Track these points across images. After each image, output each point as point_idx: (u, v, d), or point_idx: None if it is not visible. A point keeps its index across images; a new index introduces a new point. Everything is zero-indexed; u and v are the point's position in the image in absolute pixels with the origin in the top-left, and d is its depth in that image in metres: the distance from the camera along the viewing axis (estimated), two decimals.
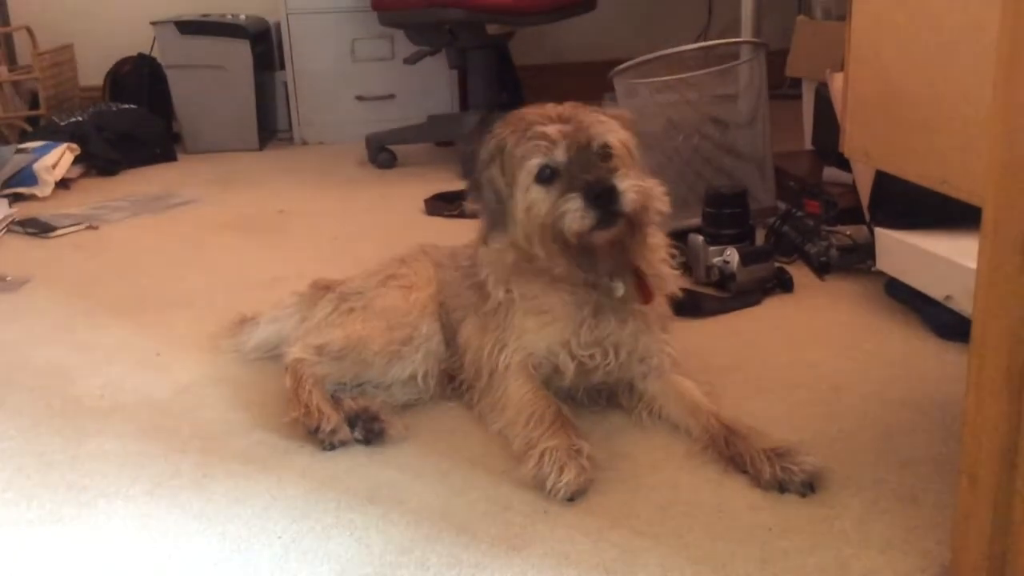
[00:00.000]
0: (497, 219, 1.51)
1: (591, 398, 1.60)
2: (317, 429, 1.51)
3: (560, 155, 1.42)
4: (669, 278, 1.60)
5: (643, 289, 1.52)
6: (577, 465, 1.36)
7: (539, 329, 1.53)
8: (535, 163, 1.43)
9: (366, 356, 1.61)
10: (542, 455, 1.38)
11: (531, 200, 1.44)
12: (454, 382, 1.66)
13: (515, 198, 1.46)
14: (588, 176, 1.40)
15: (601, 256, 1.46)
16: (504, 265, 1.54)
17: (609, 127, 1.46)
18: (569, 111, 1.47)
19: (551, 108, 1.49)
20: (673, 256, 1.62)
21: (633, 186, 1.41)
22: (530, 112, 1.49)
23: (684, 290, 2.07)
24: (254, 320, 1.91)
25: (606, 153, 1.45)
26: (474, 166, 1.53)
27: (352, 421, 1.53)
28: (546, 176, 1.43)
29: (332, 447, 1.51)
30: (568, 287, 1.51)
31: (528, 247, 1.48)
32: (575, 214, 1.39)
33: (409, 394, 1.64)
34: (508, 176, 1.47)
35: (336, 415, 1.53)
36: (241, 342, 1.88)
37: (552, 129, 1.42)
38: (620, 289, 1.51)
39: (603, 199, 1.39)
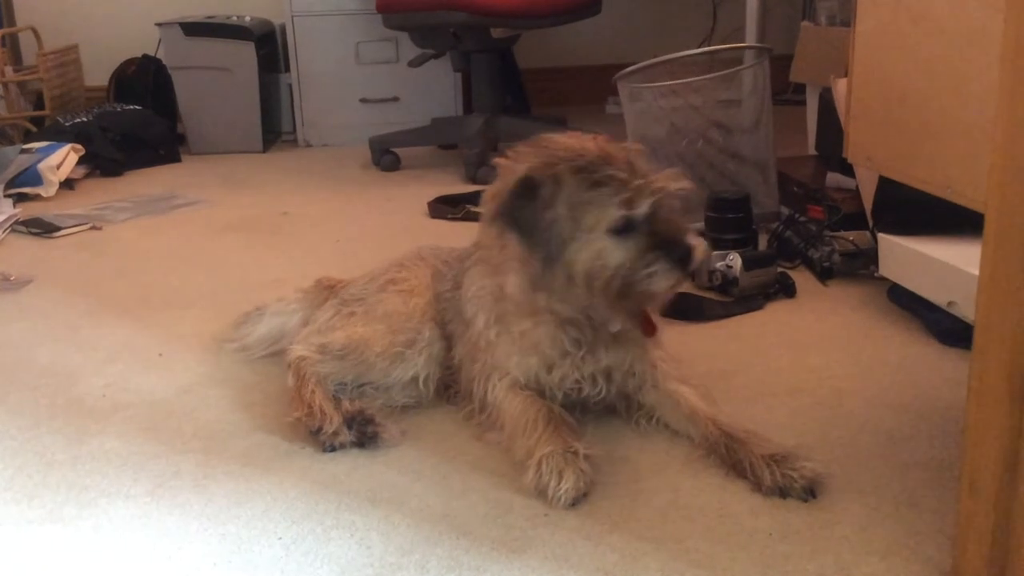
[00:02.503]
0: (551, 262, 1.40)
1: (586, 410, 1.59)
2: (319, 430, 1.51)
3: (643, 209, 1.37)
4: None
5: (646, 323, 1.51)
6: (575, 469, 1.35)
7: (523, 361, 1.52)
8: (615, 214, 1.36)
9: (368, 356, 1.61)
10: (540, 463, 1.37)
11: (600, 250, 1.38)
12: (449, 391, 1.66)
13: (579, 244, 1.38)
14: (671, 236, 1.38)
15: (654, 304, 1.47)
16: (497, 301, 1.52)
17: (677, 175, 1.42)
18: (621, 151, 1.41)
19: (598, 144, 1.41)
20: None
21: (701, 244, 1.40)
22: (579, 146, 1.41)
23: (687, 294, 2.09)
24: (259, 311, 1.91)
25: (675, 206, 1.42)
26: (513, 198, 1.41)
27: (348, 423, 1.52)
28: (621, 228, 1.37)
29: (333, 448, 1.51)
30: (556, 323, 1.49)
31: (579, 292, 1.41)
32: (664, 275, 1.37)
33: (408, 397, 1.64)
34: (574, 219, 1.38)
35: (338, 416, 1.53)
36: (244, 334, 1.88)
37: (636, 182, 1.37)
38: (618, 324, 1.49)
39: (685, 260, 1.38)
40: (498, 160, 1.49)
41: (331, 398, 1.57)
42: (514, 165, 1.44)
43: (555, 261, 1.40)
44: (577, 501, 1.34)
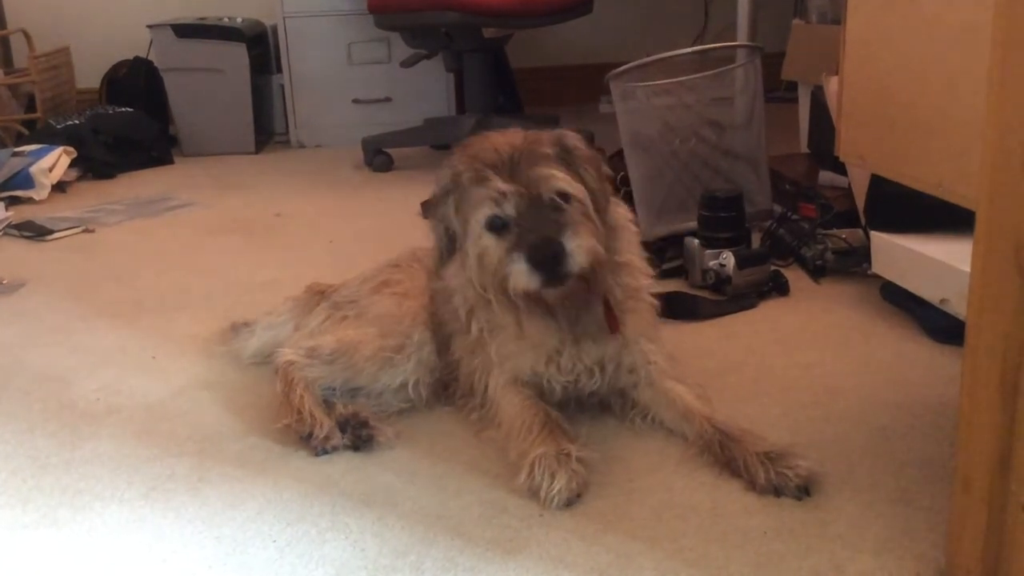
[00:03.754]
0: (446, 255, 1.50)
1: (582, 406, 1.60)
2: (310, 435, 1.51)
3: (510, 209, 1.38)
4: (642, 290, 1.57)
5: (610, 319, 1.50)
6: (567, 470, 1.35)
7: (520, 353, 1.53)
8: (485, 213, 1.40)
9: (357, 361, 1.61)
10: (533, 464, 1.37)
11: (482, 247, 1.41)
12: (448, 390, 1.66)
13: (468, 241, 1.44)
14: (533, 237, 1.36)
15: (557, 306, 1.45)
16: (468, 296, 1.53)
17: (559, 177, 1.40)
18: (521, 151, 1.41)
19: (504, 144, 1.43)
20: (645, 264, 1.60)
21: (581, 245, 1.37)
22: (484, 147, 1.44)
23: (680, 293, 2.09)
24: (248, 327, 1.90)
25: (558, 205, 1.39)
26: (433, 193, 1.51)
27: (342, 426, 1.52)
28: (498, 226, 1.40)
29: (325, 452, 1.51)
30: (542, 319, 1.49)
31: (481, 292, 1.46)
32: (520, 275, 1.37)
33: (400, 402, 1.63)
34: (463, 216, 1.44)
35: (328, 420, 1.53)
36: (237, 349, 1.88)
37: (503, 186, 1.38)
38: (583, 318, 1.49)
39: (549, 261, 1.36)
40: (445, 159, 1.53)
41: (320, 402, 1.57)
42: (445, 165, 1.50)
43: (448, 253, 1.49)
44: (570, 502, 1.34)
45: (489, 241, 1.41)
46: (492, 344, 1.54)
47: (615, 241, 1.50)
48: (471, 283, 1.48)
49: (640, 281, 1.57)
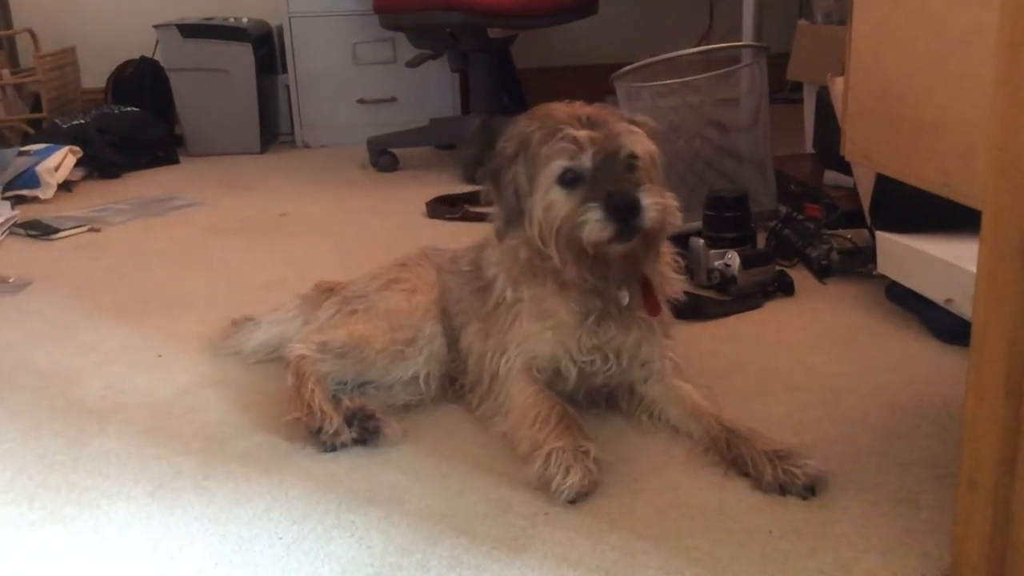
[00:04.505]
0: (515, 217, 1.49)
1: (591, 401, 1.60)
2: (320, 430, 1.51)
3: (586, 161, 1.40)
4: (674, 283, 1.60)
5: (650, 300, 1.52)
6: (583, 467, 1.35)
7: (541, 333, 1.53)
8: (559, 164, 1.41)
9: (368, 354, 1.61)
10: (548, 456, 1.37)
11: (551, 201, 1.42)
12: (455, 385, 1.66)
13: (534, 197, 1.44)
14: (612, 187, 1.38)
15: (614, 266, 1.46)
16: (516, 263, 1.53)
17: (637, 137, 1.44)
18: (599, 114, 1.45)
19: (580, 107, 1.46)
20: (677, 261, 1.62)
21: (655, 203, 1.39)
22: (558, 109, 1.47)
23: (685, 293, 2.09)
24: (253, 321, 1.91)
25: (632, 164, 1.43)
26: (493, 159, 1.51)
27: (348, 420, 1.53)
28: (569, 180, 1.41)
29: (333, 448, 1.51)
30: (574, 293, 1.50)
31: (543, 248, 1.47)
32: (595, 224, 1.38)
33: (410, 396, 1.63)
34: (530, 174, 1.45)
35: (338, 416, 1.53)
36: (240, 343, 1.88)
37: (581, 133, 1.40)
38: (626, 298, 1.50)
39: (625, 212, 1.37)
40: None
41: (331, 398, 1.57)
42: (512, 129, 1.51)
43: (515, 215, 1.48)
44: (579, 498, 1.34)
45: (558, 194, 1.42)
46: (516, 319, 1.53)
47: (664, 228, 1.50)
48: (530, 243, 1.48)
49: (671, 274, 1.59)
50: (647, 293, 1.52)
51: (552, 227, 1.43)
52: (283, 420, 1.57)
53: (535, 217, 1.45)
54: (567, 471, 1.34)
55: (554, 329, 1.52)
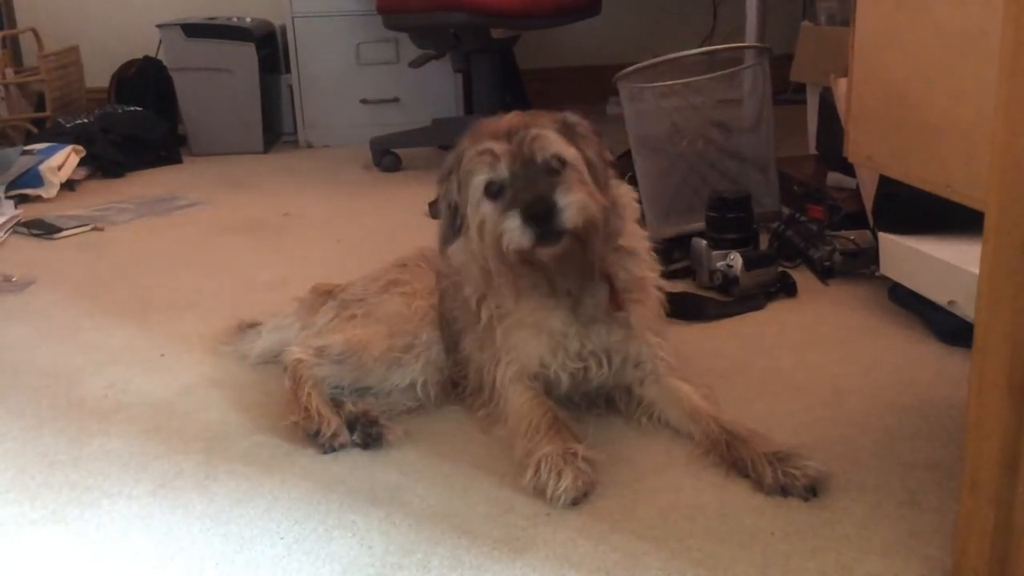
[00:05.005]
0: (450, 233, 1.51)
1: (589, 403, 1.60)
2: (317, 433, 1.51)
3: (503, 170, 1.40)
4: (648, 281, 1.58)
5: (613, 296, 1.51)
6: (573, 469, 1.36)
7: (526, 343, 1.53)
8: (481, 179, 1.42)
9: (366, 361, 1.61)
10: (539, 463, 1.38)
11: (481, 216, 1.43)
12: (457, 388, 1.66)
13: (468, 212, 1.45)
14: (526, 193, 1.38)
15: (555, 271, 1.45)
16: (475, 278, 1.54)
17: (553, 140, 1.42)
18: (520, 123, 1.44)
19: (505, 120, 1.46)
20: (653, 257, 1.60)
21: (574, 202, 1.38)
22: (487, 124, 1.47)
23: (688, 293, 2.09)
24: (255, 328, 1.91)
25: (553, 167, 1.41)
26: (439, 178, 1.53)
27: (351, 425, 1.53)
28: (494, 191, 1.41)
29: (332, 450, 1.51)
30: (549, 300, 1.50)
31: (484, 263, 1.47)
32: (514, 232, 1.37)
33: (409, 401, 1.63)
34: (463, 190, 1.46)
35: (336, 419, 1.53)
36: (244, 350, 1.88)
37: (496, 144, 1.41)
38: (588, 301, 1.50)
39: (540, 216, 1.36)
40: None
41: (328, 401, 1.57)
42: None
43: (452, 230, 1.50)
44: (577, 501, 1.34)
45: (486, 207, 1.42)
46: (499, 332, 1.54)
47: (617, 218, 1.50)
48: (475, 258, 1.49)
49: (645, 272, 1.57)
50: (612, 290, 1.51)
51: (487, 240, 1.43)
52: (281, 424, 1.57)
53: (472, 232, 1.46)
54: (558, 475, 1.35)
55: (540, 337, 1.52)
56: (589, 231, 1.41)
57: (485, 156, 1.41)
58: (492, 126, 1.46)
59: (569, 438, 1.43)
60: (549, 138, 1.42)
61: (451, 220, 1.50)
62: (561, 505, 1.33)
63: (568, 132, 1.46)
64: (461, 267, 1.57)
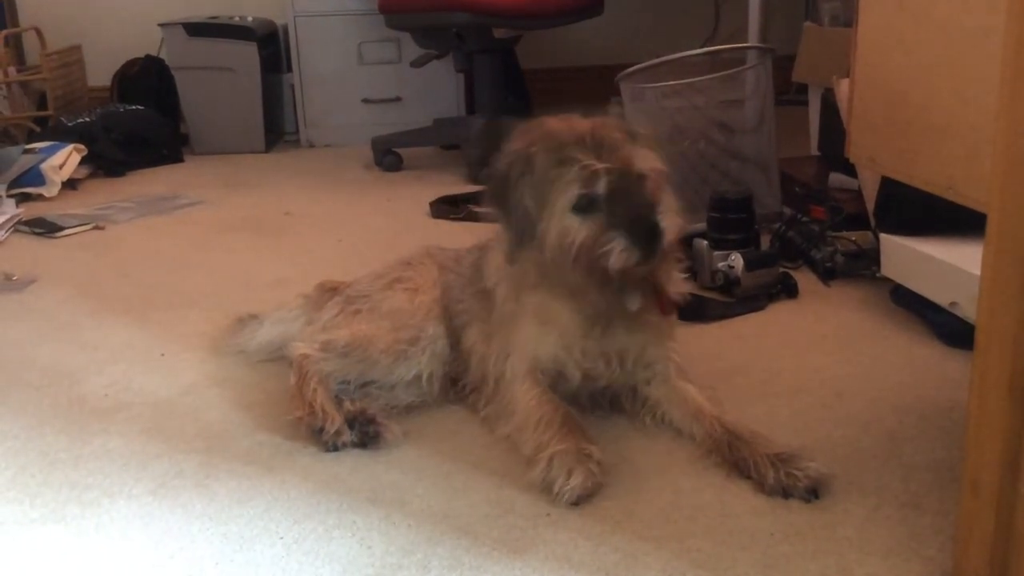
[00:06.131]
0: (525, 238, 1.46)
1: (594, 402, 1.60)
2: (321, 430, 1.51)
3: (601, 187, 1.39)
4: (680, 283, 1.59)
5: (662, 301, 1.51)
6: (586, 470, 1.35)
7: (544, 337, 1.52)
8: (574, 192, 1.39)
9: (372, 354, 1.61)
10: (551, 459, 1.37)
11: (565, 227, 1.41)
12: (457, 385, 1.66)
13: (547, 222, 1.42)
14: (631, 213, 1.38)
15: (631, 282, 1.46)
16: (522, 281, 1.53)
17: (646, 156, 1.43)
18: (602, 132, 1.43)
19: (580, 124, 1.44)
20: (680, 261, 1.61)
21: (673, 222, 1.39)
22: (560, 128, 1.45)
23: (689, 294, 2.09)
24: (256, 319, 1.91)
25: (642, 182, 1.42)
26: (496, 178, 1.49)
27: (349, 423, 1.53)
28: (583, 205, 1.40)
29: (335, 448, 1.51)
30: (581, 302, 1.49)
31: (556, 271, 1.45)
32: (621, 254, 1.37)
33: (412, 396, 1.63)
34: (539, 198, 1.43)
35: (340, 416, 1.53)
36: (244, 341, 1.88)
37: (596, 164, 1.38)
38: (636, 303, 1.49)
39: (648, 238, 1.37)
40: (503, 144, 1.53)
41: (333, 398, 1.57)
42: (508, 149, 1.49)
43: (526, 238, 1.45)
44: (581, 500, 1.34)
45: (574, 221, 1.40)
46: (520, 325, 1.53)
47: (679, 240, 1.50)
48: (539, 265, 1.47)
49: (678, 275, 1.58)
50: (659, 294, 1.51)
51: (570, 253, 1.41)
52: (285, 419, 1.57)
53: (549, 242, 1.43)
54: (569, 474, 1.34)
55: (558, 334, 1.52)
56: (675, 245, 1.44)
57: (578, 170, 1.38)
58: (568, 131, 1.43)
59: (582, 438, 1.42)
60: (644, 152, 1.43)
61: (523, 225, 1.45)
62: (565, 502, 1.33)
63: (637, 139, 1.46)
64: (508, 272, 1.55)
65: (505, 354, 1.55)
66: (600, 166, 1.38)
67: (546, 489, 1.36)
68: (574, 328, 1.51)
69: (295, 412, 1.55)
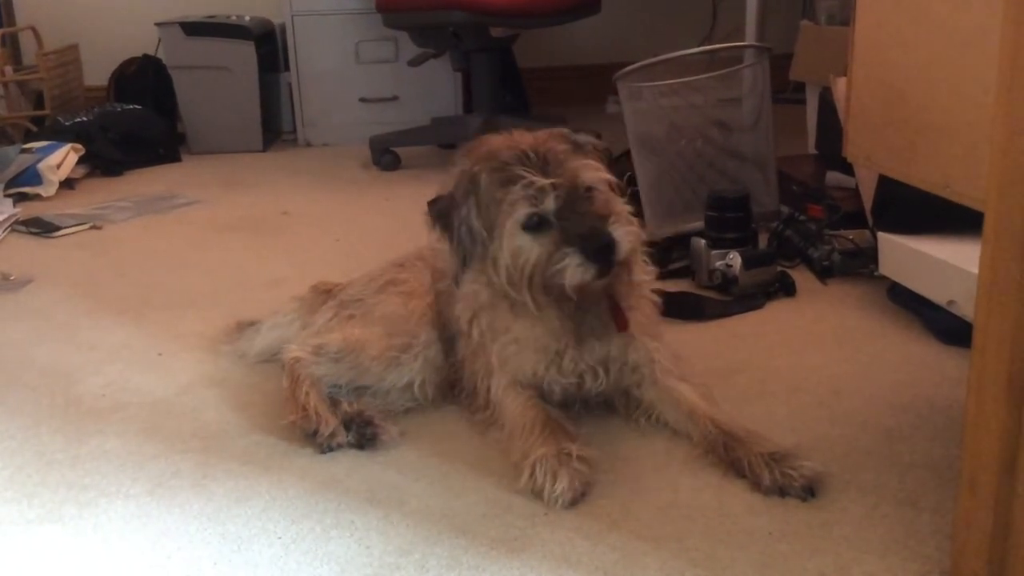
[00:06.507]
0: (469, 259, 1.46)
1: (587, 406, 1.59)
2: (315, 433, 1.51)
3: (550, 204, 1.38)
4: (643, 285, 1.57)
5: (617, 317, 1.50)
6: (569, 471, 1.35)
7: (519, 357, 1.52)
8: (523, 212, 1.38)
9: (363, 360, 1.61)
10: (533, 465, 1.37)
11: (517, 247, 1.40)
12: (455, 389, 1.66)
13: (498, 243, 1.42)
14: (583, 229, 1.37)
15: (589, 298, 1.45)
16: (478, 303, 1.53)
17: (591, 169, 1.42)
18: (546, 146, 1.42)
19: (523, 140, 1.43)
20: (645, 261, 1.58)
21: (627, 233, 1.38)
22: (500, 144, 1.44)
23: (686, 293, 2.09)
24: (254, 326, 1.90)
25: (589, 196, 1.41)
26: (440, 200, 1.49)
27: (347, 424, 1.52)
28: (533, 224, 1.39)
29: (330, 450, 1.51)
30: (546, 322, 1.49)
31: (511, 291, 1.45)
32: (576, 270, 1.36)
33: (407, 401, 1.63)
34: (485, 218, 1.42)
35: (334, 418, 1.53)
36: (243, 349, 1.88)
37: (541, 181, 1.37)
38: (587, 317, 1.49)
39: (603, 252, 1.36)
40: (453, 159, 1.52)
41: (326, 399, 1.57)
42: (454, 168, 1.48)
43: (471, 259, 1.45)
44: (575, 502, 1.34)
45: (525, 240, 1.40)
46: (493, 348, 1.53)
47: (636, 252, 1.49)
48: (492, 285, 1.47)
49: (640, 276, 1.57)
50: (615, 309, 1.50)
51: (523, 273, 1.41)
52: (279, 423, 1.57)
53: (501, 263, 1.42)
54: (554, 478, 1.34)
55: (532, 351, 1.51)
56: (632, 258, 1.42)
57: (524, 188, 1.37)
58: (509, 148, 1.42)
59: (563, 438, 1.42)
60: (590, 167, 1.42)
61: (471, 248, 1.45)
62: (560, 507, 1.33)
63: (581, 151, 1.45)
64: (464, 292, 1.55)
65: (489, 371, 1.55)
66: (546, 182, 1.37)
67: (536, 496, 1.36)
68: (547, 343, 1.50)
69: (288, 416, 1.55)
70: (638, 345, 1.54)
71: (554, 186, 1.38)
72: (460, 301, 1.57)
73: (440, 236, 1.50)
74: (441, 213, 1.48)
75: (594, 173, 1.42)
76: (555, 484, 1.34)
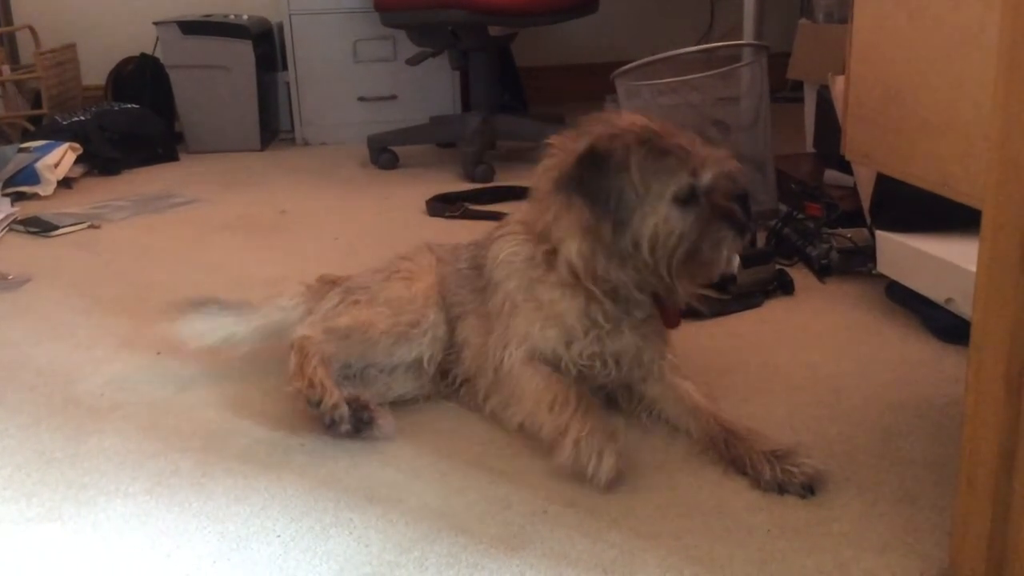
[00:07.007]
0: (622, 228, 1.41)
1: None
2: (319, 403, 1.51)
3: (707, 179, 1.40)
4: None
5: (669, 313, 1.52)
6: (615, 450, 1.36)
7: (545, 331, 1.52)
8: (683, 182, 1.39)
9: (372, 335, 1.60)
10: (577, 442, 1.37)
11: (665, 217, 1.39)
12: (447, 378, 1.66)
13: (643, 210, 1.40)
14: (730, 207, 1.41)
15: (680, 286, 1.47)
16: (542, 276, 1.51)
17: (728, 155, 1.45)
18: (682, 129, 1.45)
19: (664, 123, 1.45)
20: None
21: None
22: (639, 122, 1.45)
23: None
24: (217, 304, 1.83)
25: (738, 175, 1.44)
26: (585, 166, 1.42)
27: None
28: (686, 197, 1.40)
29: (333, 422, 1.50)
30: (586, 296, 1.49)
31: (644, 259, 1.42)
32: (730, 243, 1.41)
33: (409, 384, 1.64)
34: (639, 186, 1.40)
35: (338, 391, 1.52)
36: (239, 321, 1.83)
37: (705, 152, 1.40)
38: (645, 311, 1.51)
39: (744, 231, 1.41)
40: (552, 138, 1.51)
41: (332, 376, 1.56)
42: (571, 142, 1.47)
43: (623, 227, 1.41)
44: (617, 484, 1.34)
45: (674, 212, 1.40)
46: (517, 314, 1.53)
47: None
48: (584, 261, 1.45)
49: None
50: (669, 307, 1.52)
51: (668, 244, 1.40)
52: (284, 390, 1.57)
53: (645, 231, 1.40)
54: (600, 456, 1.35)
55: (559, 330, 1.51)
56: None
57: (680, 160, 1.39)
58: (658, 126, 1.44)
59: (601, 416, 1.43)
60: (730, 155, 1.45)
61: (624, 215, 1.40)
62: (601, 484, 1.34)
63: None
64: (516, 264, 1.54)
65: (503, 343, 1.54)
66: (708, 154, 1.40)
67: (577, 473, 1.36)
68: (577, 328, 1.50)
69: (294, 383, 1.55)
70: (652, 345, 1.54)
71: (714, 163, 1.41)
72: (515, 273, 1.55)
73: (572, 205, 1.44)
74: (579, 180, 1.42)
75: (733, 161, 1.45)
76: (600, 462, 1.34)
